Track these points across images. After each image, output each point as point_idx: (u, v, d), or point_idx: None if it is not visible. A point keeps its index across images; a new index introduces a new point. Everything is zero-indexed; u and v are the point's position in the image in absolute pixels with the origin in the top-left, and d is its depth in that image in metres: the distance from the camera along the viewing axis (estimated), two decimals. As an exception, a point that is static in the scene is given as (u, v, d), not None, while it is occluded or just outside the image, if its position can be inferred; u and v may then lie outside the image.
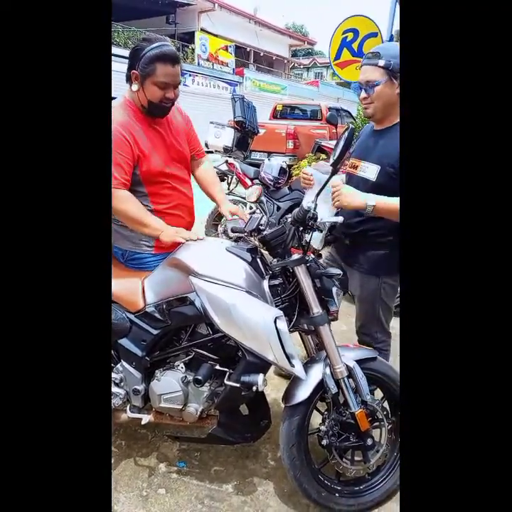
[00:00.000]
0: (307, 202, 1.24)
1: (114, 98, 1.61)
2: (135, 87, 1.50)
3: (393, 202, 1.43)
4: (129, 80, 1.54)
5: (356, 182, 1.64)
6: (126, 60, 1.52)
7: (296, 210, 1.31)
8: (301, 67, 32.33)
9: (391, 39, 4.41)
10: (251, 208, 4.01)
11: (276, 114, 9.13)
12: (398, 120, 1.55)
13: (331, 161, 1.25)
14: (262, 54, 22.38)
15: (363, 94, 1.57)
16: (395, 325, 1.85)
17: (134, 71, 1.49)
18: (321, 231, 1.29)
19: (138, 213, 1.49)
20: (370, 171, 1.59)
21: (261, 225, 1.46)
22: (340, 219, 1.25)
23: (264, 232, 1.43)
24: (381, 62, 1.48)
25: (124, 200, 1.46)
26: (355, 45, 4.49)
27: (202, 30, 17.32)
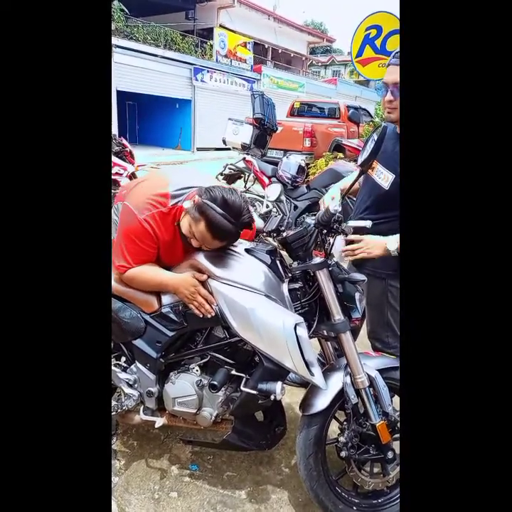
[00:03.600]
0: (334, 205, 1.18)
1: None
2: (186, 204, 1.34)
3: None
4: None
5: (370, 184, 1.60)
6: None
7: (321, 212, 1.25)
8: (319, 64, 32.05)
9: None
10: (267, 206, 3.97)
11: (293, 112, 9.06)
12: None
13: (360, 161, 1.20)
14: (280, 51, 22.24)
15: (389, 96, 1.45)
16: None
17: (191, 199, 1.34)
18: (347, 235, 1.24)
19: (152, 279, 1.40)
20: (384, 178, 1.52)
21: (281, 225, 1.41)
22: (368, 223, 1.20)
23: (285, 233, 1.38)
24: None
25: (137, 277, 1.39)
26: (378, 42, 4.38)
27: (221, 26, 17.29)
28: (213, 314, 1.34)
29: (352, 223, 1.27)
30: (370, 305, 1.71)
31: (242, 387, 1.35)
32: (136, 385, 1.53)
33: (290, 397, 2.06)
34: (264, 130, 3.94)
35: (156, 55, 13.28)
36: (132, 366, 1.53)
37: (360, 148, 1.34)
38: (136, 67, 12.57)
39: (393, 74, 1.43)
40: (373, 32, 4.32)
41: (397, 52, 1.44)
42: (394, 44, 4.25)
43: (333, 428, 1.50)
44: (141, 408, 1.56)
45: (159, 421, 1.53)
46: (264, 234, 1.49)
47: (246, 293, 1.31)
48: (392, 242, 1.42)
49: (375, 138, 1.21)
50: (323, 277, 1.34)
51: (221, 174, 4.09)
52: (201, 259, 1.39)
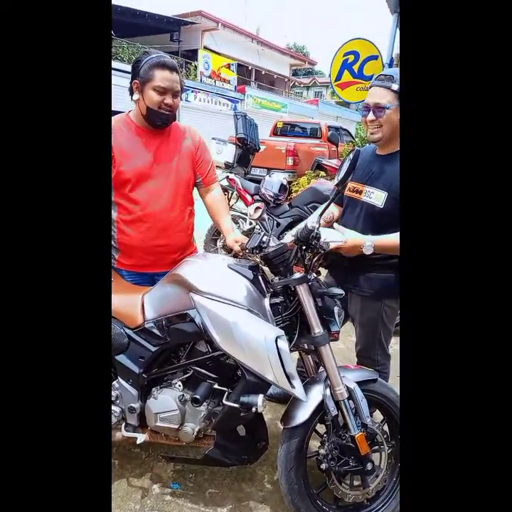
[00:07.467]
0: (311, 222, 1.23)
1: (120, 112, 1.64)
2: (136, 96, 1.56)
3: (392, 238, 1.44)
4: (131, 93, 1.59)
5: (360, 207, 1.62)
6: (130, 75, 1.56)
7: (300, 229, 1.30)
8: (302, 86, 32.91)
9: (391, 62, 4.50)
10: (251, 223, 4.02)
11: (276, 131, 9.23)
12: None
13: (336, 181, 1.25)
14: (263, 72, 22.78)
15: (371, 116, 1.51)
16: (392, 345, 1.83)
17: (135, 81, 1.55)
18: (324, 251, 1.29)
19: None
20: (376, 197, 1.55)
21: (263, 242, 1.45)
22: (344, 239, 1.25)
23: (266, 250, 1.42)
24: (395, 86, 1.45)
25: None
26: (355, 67, 4.58)
27: (205, 48, 17.65)
28: None
29: (330, 239, 1.32)
30: (364, 324, 1.73)
31: (224, 401, 1.36)
32: (118, 401, 1.52)
33: (273, 413, 2.07)
34: (246, 149, 4.02)
35: (141, 75, 13.40)
36: (114, 382, 1.52)
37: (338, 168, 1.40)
38: (120, 87, 12.62)
39: (375, 96, 1.50)
40: (351, 57, 4.52)
41: (381, 75, 1.52)
42: (370, 70, 4.45)
43: (314, 443, 1.52)
44: (123, 425, 1.55)
45: (141, 437, 1.51)
46: (247, 251, 1.52)
47: (229, 307, 1.34)
48: (369, 239, 1.45)
49: (351, 157, 1.26)
50: (303, 292, 1.38)
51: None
52: (184, 273, 1.42)
